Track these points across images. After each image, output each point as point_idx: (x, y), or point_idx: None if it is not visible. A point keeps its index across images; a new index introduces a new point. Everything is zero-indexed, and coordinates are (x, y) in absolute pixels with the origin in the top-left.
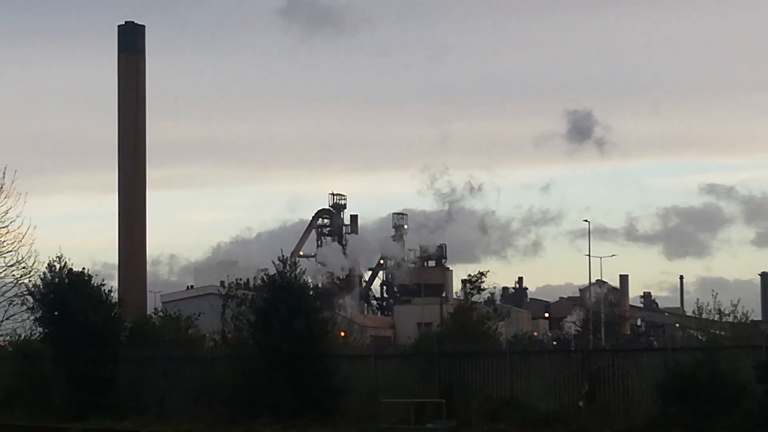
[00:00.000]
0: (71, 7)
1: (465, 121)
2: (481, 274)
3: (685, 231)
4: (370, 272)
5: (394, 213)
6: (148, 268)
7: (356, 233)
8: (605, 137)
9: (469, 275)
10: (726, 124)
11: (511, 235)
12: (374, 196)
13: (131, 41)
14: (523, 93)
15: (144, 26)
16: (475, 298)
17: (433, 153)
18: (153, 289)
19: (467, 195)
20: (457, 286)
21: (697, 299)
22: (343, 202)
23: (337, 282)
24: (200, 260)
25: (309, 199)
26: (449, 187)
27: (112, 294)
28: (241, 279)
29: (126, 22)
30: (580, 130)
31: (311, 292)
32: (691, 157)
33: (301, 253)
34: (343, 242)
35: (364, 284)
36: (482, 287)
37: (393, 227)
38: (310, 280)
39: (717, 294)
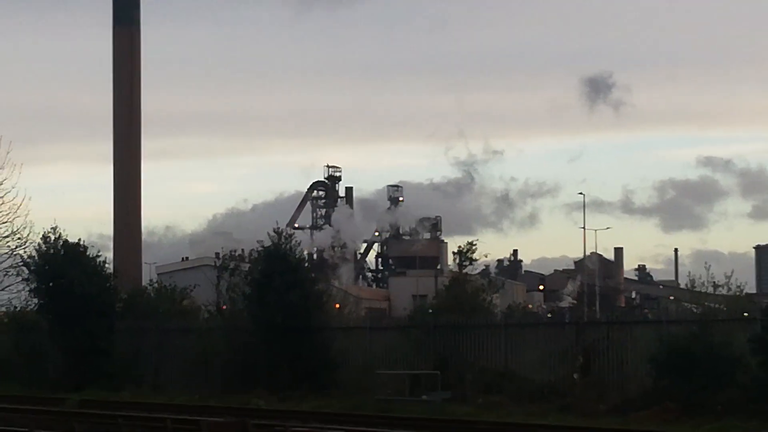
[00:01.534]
0: None
1: (463, 92)
2: (471, 244)
3: (682, 204)
4: (365, 244)
5: (388, 185)
6: (144, 239)
7: (351, 205)
8: (604, 109)
9: (459, 246)
10: (724, 96)
11: (507, 207)
12: (369, 169)
13: (126, 12)
14: (522, 63)
15: None
16: (469, 269)
17: (432, 125)
18: (148, 261)
19: (467, 166)
20: (452, 258)
21: (689, 272)
22: (338, 174)
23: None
24: (196, 231)
25: (314, 169)
26: (455, 158)
27: (107, 265)
28: (235, 250)
29: None
30: (582, 100)
31: (306, 264)
32: (688, 129)
33: (296, 224)
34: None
35: (359, 256)
36: (473, 258)
37: (388, 199)
38: (305, 252)
39: (710, 266)
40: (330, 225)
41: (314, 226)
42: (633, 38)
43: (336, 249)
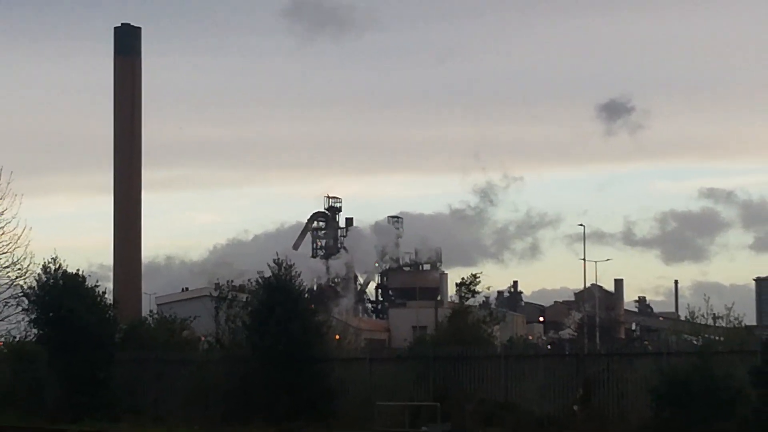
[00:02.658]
0: (68, 8)
1: (468, 122)
2: (475, 276)
3: (683, 235)
4: (365, 275)
5: (389, 216)
6: (144, 269)
7: (355, 234)
8: (606, 141)
9: (463, 278)
10: (726, 128)
11: (508, 238)
12: (372, 199)
13: (127, 43)
14: (526, 94)
15: (140, 28)
16: (470, 301)
17: (436, 157)
18: (148, 291)
19: (472, 197)
20: (453, 289)
21: (688, 304)
22: (338, 205)
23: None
24: (196, 262)
25: (306, 200)
26: (458, 190)
27: (106, 295)
28: (231, 280)
29: (122, 23)
30: (584, 132)
31: (306, 294)
32: (690, 161)
33: (311, 253)
34: (339, 245)
35: (359, 286)
36: (476, 290)
37: (391, 227)
38: (305, 283)
39: (709, 298)
40: (344, 249)
41: (323, 255)
42: (636, 71)
43: (338, 280)
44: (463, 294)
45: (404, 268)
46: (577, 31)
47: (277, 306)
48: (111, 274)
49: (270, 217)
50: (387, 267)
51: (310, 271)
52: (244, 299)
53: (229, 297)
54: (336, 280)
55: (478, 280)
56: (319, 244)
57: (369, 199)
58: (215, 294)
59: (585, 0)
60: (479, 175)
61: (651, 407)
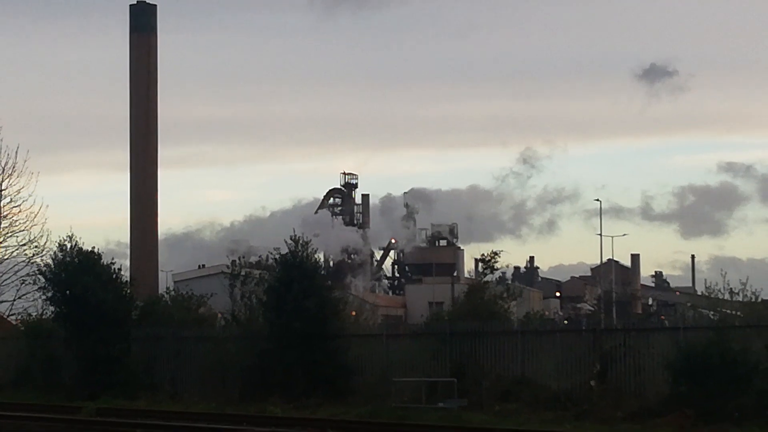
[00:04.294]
0: None
1: (480, 99)
2: (495, 253)
3: (701, 210)
4: (381, 251)
5: (405, 192)
6: (160, 247)
7: (368, 212)
8: (625, 114)
9: (483, 254)
10: (745, 100)
11: (525, 214)
12: (387, 175)
13: (143, 20)
14: (532, 71)
15: (156, 5)
16: (488, 277)
17: (454, 132)
18: (165, 268)
19: (488, 174)
20: (468, 265)
21: (705, 279)
22: (354, 181)
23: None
24: (213, 239)
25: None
26: (474, 167)
27: (123, 273)
28: (243, 257)
29: (138, 1)
30: (603, 106)
31: (322, 271)
32: (708, 134)
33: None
34: (355, 221)
35: (375, 263)
36: (495, 267)
37: (404, 206)
38: (323, 257)
39: (726, 273)
40: (379, 214)
41: (360, 224)
42: (653, 45)
43: (354, 257)
44: (481, 270)
45: (420, 244)
46: (585, 7)
47: (293, 283)
48: (128, 251)
49: (287, 194)
50: (423, 238)
51: (340, 241)
52: (257, 275)
53: (243, 274)
54: (353, 256)
55: (498, 256)
56: (336, 220)
57: (386, 175)
58: (229, 271)
59: None
60: (501, 151)
61: (668, 382)
